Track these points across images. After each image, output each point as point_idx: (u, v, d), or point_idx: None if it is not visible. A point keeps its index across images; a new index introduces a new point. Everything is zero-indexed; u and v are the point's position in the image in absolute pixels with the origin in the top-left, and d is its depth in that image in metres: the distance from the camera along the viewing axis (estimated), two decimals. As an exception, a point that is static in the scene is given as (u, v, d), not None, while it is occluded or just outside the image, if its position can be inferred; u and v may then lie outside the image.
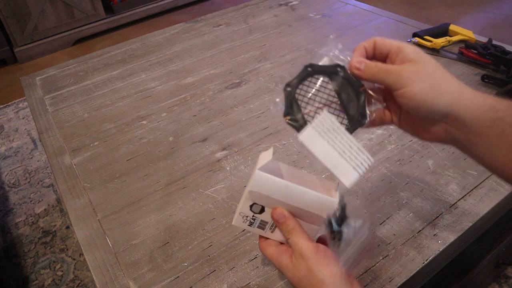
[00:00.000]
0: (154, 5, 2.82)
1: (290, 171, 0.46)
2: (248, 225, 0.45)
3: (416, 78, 0.38)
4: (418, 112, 0.40)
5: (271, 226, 0.45)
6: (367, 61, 0.42)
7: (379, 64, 0.41)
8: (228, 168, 0.75)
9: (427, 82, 0.38)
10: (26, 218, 1.42)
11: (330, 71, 0.43)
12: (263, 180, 0.42)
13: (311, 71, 0.43)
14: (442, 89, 0.38)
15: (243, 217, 0.45)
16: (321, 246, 0.42)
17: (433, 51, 1.02)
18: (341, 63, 0.43)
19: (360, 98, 0.42)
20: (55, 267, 1.25)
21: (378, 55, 0.43)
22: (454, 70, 0.95)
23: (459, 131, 0.39)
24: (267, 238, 0.46)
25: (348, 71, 0.43)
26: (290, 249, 0.44)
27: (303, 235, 0.43)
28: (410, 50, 0.40)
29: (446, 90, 0.38)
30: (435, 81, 0.38)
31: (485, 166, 0.41)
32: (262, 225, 0.45)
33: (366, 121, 0.42)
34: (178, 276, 0.58)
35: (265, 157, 0.45)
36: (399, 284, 0.54)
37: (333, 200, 0.42)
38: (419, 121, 0.42)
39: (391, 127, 0.80)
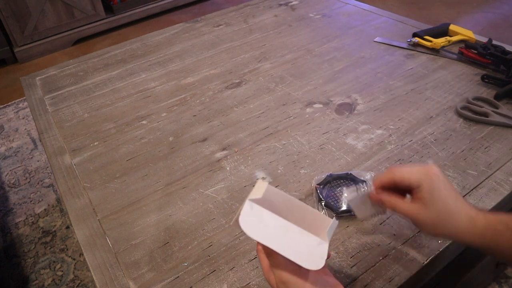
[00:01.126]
0: (154, 5, 2.82)
1: (282, 204, 0.48)
2: None
3: (424, 222, 0.47)
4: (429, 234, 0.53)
5: None
6: (386, 199, 0.50)
7: (394, 203, 0.50)
8: (228, 168, 0.75)
9: (432, 223, 0.47)
10: (26, 218, 1.42)
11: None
12: (252, 212, 0.45)
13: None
14: (442, 227, 0.47)
15: None
16: (302, 269, 0.43)
17: (433, 51, 1.03)
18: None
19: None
20: (55, 267, 1.24)
21: (398, 187, 0.50)
22: (454, 70, 0.95)
23: (481, 247, 0.47)
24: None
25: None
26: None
27: (281, 267, 0.44)
28: (426, 190, 0.47)
29: (444, 228, 0.47)
30: (439, 221, 0.47)
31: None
32: None
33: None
34: (178, 276, 0.58)
35: (260, 188, 0.47)
36: (399, 284, 0.54)
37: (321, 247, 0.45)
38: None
39: (391, 126, 0.80)
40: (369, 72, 0.98)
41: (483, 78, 0.90)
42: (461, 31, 1.06)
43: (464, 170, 0.69)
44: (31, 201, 1.49)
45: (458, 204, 0.47)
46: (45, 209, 1.45)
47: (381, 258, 0.57)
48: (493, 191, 0.65)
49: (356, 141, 0.78)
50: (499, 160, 0.71)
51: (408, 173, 0.48)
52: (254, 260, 0.59)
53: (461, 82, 0.91)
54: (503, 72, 0.90)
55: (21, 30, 2.39)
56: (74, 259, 1.26)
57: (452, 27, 1.07)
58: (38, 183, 1.56)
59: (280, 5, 1.37)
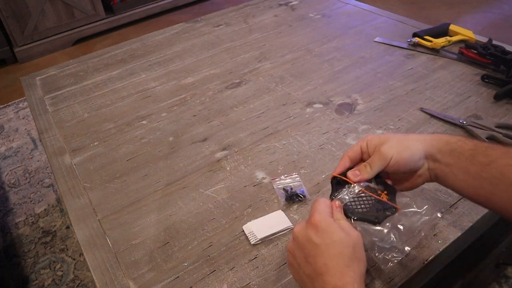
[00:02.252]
0: (154, 5, 2.82)
1: None
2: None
3: (392, 150, 0.51)
4: (408, 167, 0.51)
5: None
6: (359, 168, 0.53)
7: (365, 164, 0.53)
8: (228, 168, 0.75)
9: (400, 148, 0.51)
10: (26, 218, 1.42)
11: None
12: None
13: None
14: (410, 144, 0.51)
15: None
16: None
17: (433, 51, 1.02)
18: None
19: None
20: (55, 267, 1.24)
21: (356, 160, 0.55)
22: (454, 70, 0.95)
23: (436, 166, 0.51)
24: None
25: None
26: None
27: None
28: (372, 137, 0.53)
29: (413, 143, 0.51)
30: (403, 144, 0.51)
31: (460, 193, 0.52)
32: None
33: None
34: (178, 276, 0.58)
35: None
36: (399, 284, 0.54)
37: None
38: (411, 175, 0.53)
39: (391, 126, 0.80)
40: (369, 72, 0.98)
41: (483, 78, 0.90)
42: (461, 31, 1.06)
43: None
44: (31, 201, 1.49)
45: (406, 134, 0.53)
46: (45, 209, 1.45)
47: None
48: None
49: (356, 141, 0.78)
50: None
51: (356, 145, 0.55)
52: (254, 260, 0.59)
53: (461, 82, 0.91)
54: (503, 72, 0.90)
55: (21, 30, 2.39)
56: (74, 259, 1.26)
57: (452, 27, 1.07)
58: (38, 183, 1.56)
59: (280, 5, 1.37)
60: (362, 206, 0.51)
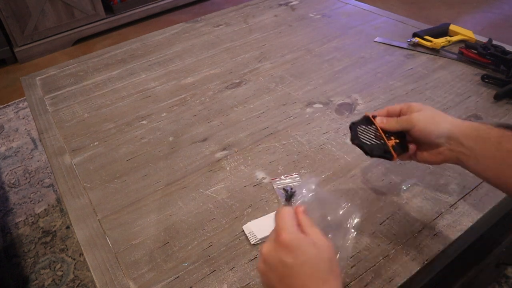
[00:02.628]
0: (154, 5, 2.82)
1: None
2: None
3: (421, 118, 0.55)
4: (429, 139, 0.55)
5: None
6: (388, 118, 0.59)
7: (395, 118, 0.58)
8: (228, 168, 0.75)
9: (429, 120, 0.55)
10: (26, 218, 1.41)
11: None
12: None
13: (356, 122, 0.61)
14: (440, 121, 0.55)
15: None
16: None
17: (433, 51, 1.02)
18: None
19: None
20: (55, 267, 1.24)
21: (393, 115, 0.60)
22: (454, 70, 0.95)
23: (458, 149, 0.52)
24: None
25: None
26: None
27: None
28: (415, 104, 0.57)
29: (443, 121, 0.55)
30: (434, 118, 0.55)
31: (480, 177, 0.53)
32: None
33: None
34: (178, 276, 0.58)
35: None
36: (399, 284, 0.54)
37: None
38: (432, 149, 0.56)
39: (391, 127, 0.80)
40: (369, 72, 0.98)
41: (483, 78, 0.90)
42: (461, 31, 1.06)
43: (464, 170, 0.69)
44: (31, 201, 1.49)
45: (443, 113, 0.56)
46: (45, 209, 1.45)
47: (381, 258, 0.57)
48: (492, 191, 0.65)
49: (356, 141, 0.78)
50: None
51: (398, 104, 0.59)
52: (254, 260, 0.59)
53: (461, 82, 0.91)
54: (503, 72, 0.90)
55: (21, 30, 2.39)
56: (74, 259, 1.26)
57: (452, 27, 1.07)
58: (38, 183, 1.56)
59: (280, 5, 1.37)
60: (367, 138, 0.59)
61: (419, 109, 0.56)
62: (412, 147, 0.57)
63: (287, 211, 0.46)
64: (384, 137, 0.58)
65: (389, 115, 0.60)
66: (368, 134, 0.59)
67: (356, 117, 0.83)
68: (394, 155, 0.57)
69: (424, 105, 0.57)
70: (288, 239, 0.42)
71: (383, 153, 0.57)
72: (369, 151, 0.58)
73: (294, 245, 0.42)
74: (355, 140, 0.59)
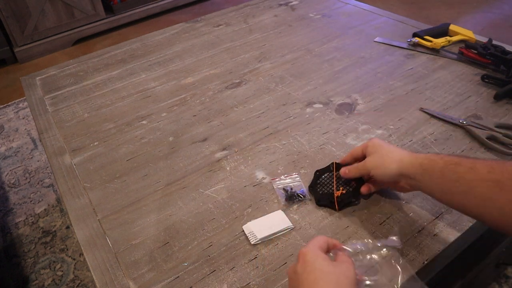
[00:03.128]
0: (154, 5, 2.82)
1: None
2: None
3: (373, 163, 0.61)
4: (384, 180, 0.61)
5: None
6: (350, 167, 0.65)
7: (357, 165, 0.64)
8: (228, 168, 0.75)
9: (379, 164, 0.60)
10: (26, 218, 1.41)
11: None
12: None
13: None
14: (389, 162, 0.59)
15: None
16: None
17: (433, 51, 1.03)
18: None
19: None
20: (55, 267, 1.24)
21: (357, 158, 0.66)
22: (454, 70, 0.95)
23: (412, 182, 0.57)
24: None
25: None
26: None
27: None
28: (370, 145, 0.63)
29: (391, 162, 0.58)
30: (383, 161, 0.59)
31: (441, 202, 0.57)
32: None
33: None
34: (178, 276, 0.58)
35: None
36: (399, 284, 0.54)
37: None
38: (394, 184, 0.62)
39: (391, 126, 0.80)
40: (369, 72, 0.98)
41: (483, 78, 0.90)
42: (461, 31, 1.06)
43: (464, 170, 0.69)
44: (31, 201, 1.49)
45: (398, 149, 0.60)
46: (45, 209, 1.45)
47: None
48: None
49: (356, 141, 0.78)
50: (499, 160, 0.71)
51: (360, 146, 0.65)
52: (254, 260, 0.59)
53: (461, 82, 0.91)
54: (503, 72, 0.90)
55: (21, 30, 2.39)
56: (74, 259, 1.26)
57: (452, 27, 1.07)
58: (38, 183, 1.56)
59: (280, 5, 1.37)
60: (323, 186, 0.67)
61: (371, 152, 0.62)
62: (363, 189, 0.63)
63: (322, 236, 0.52)
64: (334, 187, 0.65)
65: (353, 158, 0.66)
66: (325, 182, 0.67)
67: (356, 117, 0.84)
68: (337, 207, 0.64)
69: (379, 142, 0.62)
70: (305, 251, 0.48)
71: (329, 203, 0.64)
72: (316, 200, 0.65)
73: (307, 257, 0.47)
74: (310, 188, 0.67)
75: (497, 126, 0.75)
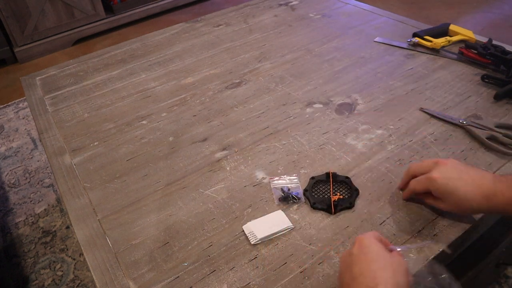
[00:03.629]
0: (154, 5, 2.82)
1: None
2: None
3: (448, 210, 0.58)
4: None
5: None
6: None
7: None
8: (228, 168, 0.75)
9: (459, 207, 0.56)
10: (26, 218, 1.42)
11: None
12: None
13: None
14: (471, 205, 0.54)
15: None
16: None
17: (433, 51, 1.02)
18: None
19: None
20: (55, 267, 1.24)
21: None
22: (454, 70, 0.95)
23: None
24: None
25: None
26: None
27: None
28: (441, 188, 0.56)
29: (474, 204, 0.54)
30: (462, 205, 0.55)
31: None
32: None
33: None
34: (178, 276, 0.58)
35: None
36: (399, 284, 0.54)
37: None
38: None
39: (391, 126, 0.80)
40: (369, 72, 0.98)
41: (483, 78, 0.90)
42: (461, 31, 1.06)
43: (464, 170, 0.69)
44: (31, 201, 1.49)
45: (470, 188, 0.54)
46: (45, 209, 1.45)
47: (381, 258, 0.57)
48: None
49: (356, 141, 0.78)
50: (499, 160, 0.71)
51: (420, 164, 0.60)
52: (254, 260, 0.59)
53: (461, 82, 0.91)
54: (503, 72, 0.90)
55: (21, 30, 2.39)
56: (74, 259, 1.26)
57: (452, 27, 1.07)
58: (38, 183, 1.56)
59: (280, 5, 1.37)
60: (320, 192, 0.67)
61: (444, 196, 0.56)
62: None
63: (374, 231, 0.53)
64: (331, 192, 0.66)
65: (412, 189, 0.62)
66: (321, 188, 0.68)
67: (356, 117, 0.84)
68: (333, 211, 0.64)
69: (448, 185, 0.56)
70: (362, 237, 0.49)
71: (325, 206, 0.64)
72: (312, 203, 0.65)
73: (364, 242, 0.48)
74: (305, 191, 0.67)
75: (497, 126, 0.75)
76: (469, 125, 0.76)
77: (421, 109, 0.83)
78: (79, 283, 1.19)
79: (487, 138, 0.73)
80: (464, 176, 0.55)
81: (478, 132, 0.74)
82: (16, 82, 2.26)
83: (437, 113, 0.81)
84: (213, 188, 0.71)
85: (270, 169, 0.73)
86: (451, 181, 0.55)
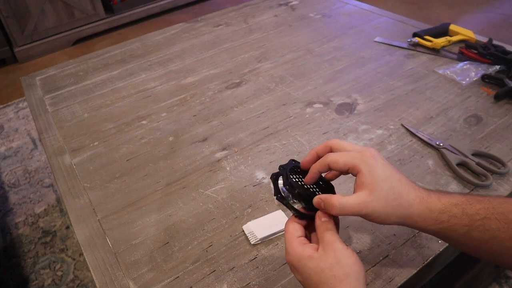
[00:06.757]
0: (154, 5, 2.82)
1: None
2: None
3: (375, 209, 0.43)
4: (381, 223, 0.45)
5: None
6: (325, 201, 0.45)
7: (343, 204, 0.44)
8: (228, 168, 0.75)
9: (383, 209, 0.44)
10: (26, 218, 1.42)
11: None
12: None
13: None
14: (395, 215, 0.44)
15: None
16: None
17: (433, 51, 1.02)
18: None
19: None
20: (55, 267, 1.24)
21: (336, 169, 0.47)
22: (454, 70, 0.95)
23: (421, 229, 0.46)
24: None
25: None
26: (314, 245, 0.45)
27: (337, 235, 0.45)
28: (365, 174, 0.44)
29: (399, 215, 0.44)
30: (387, 209, 0.44)
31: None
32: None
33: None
34: (178, 276, 0.58)
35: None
36: (399, 284, 0.54)
37: None
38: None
39: (391, 126, 0.80)
40: (369, 72, 0.98)
41: (483, 78, 0.90)
42: (461, 31, 1.06)
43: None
44: (31, 201, 1.49)
45: (404, 185, 0.45)
46: (45, 209, 1.45)
47: (381, 258, 0.57)
48: (493, 191, 0.65)
49: (356, 141, 0.78)
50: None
51: (342, 157, 0.46)
52: (254, 260, 0.59)
53: (461, 82, 0.91)
54: (503, 72, 0.90)
55: (21, 30, 2.40)
56: (74, 259, 1.26)
57: (452, 27, 1.07)
58: (38, 183, 1.56)
59: (280, 5, 1.37)
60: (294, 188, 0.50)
61: (371, 188, 0.43)
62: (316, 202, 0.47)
63: (288, 229, 0.47)
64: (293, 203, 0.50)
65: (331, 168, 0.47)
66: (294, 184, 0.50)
67: (356, 117, 0.84)
68: (295, 217, 0.49)
69: (377, 176, 0.44)
70: (289, 260, 0.45)
71: (290, 207, 0.49)
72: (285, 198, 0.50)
73: (295, 264, 0.44)
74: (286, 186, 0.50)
75: (474, 154, 0.71)
76: (444, 148, 0.73)
77: (402, 125, 0.80)
78: (79, 283, 1.19)
79: (457, 164, 0.69)
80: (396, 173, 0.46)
81: (450, 157, 0.70)
82: (16, 82, 2.26)
83: (415, 130, 0.77)
84: (213, 188, 0.71)
85: (270, 169, 0.73)
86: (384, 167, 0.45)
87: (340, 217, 0.61)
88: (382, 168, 0.44)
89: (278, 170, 0.52)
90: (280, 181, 0.50)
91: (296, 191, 0.48)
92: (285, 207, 0.50)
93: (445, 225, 0.44)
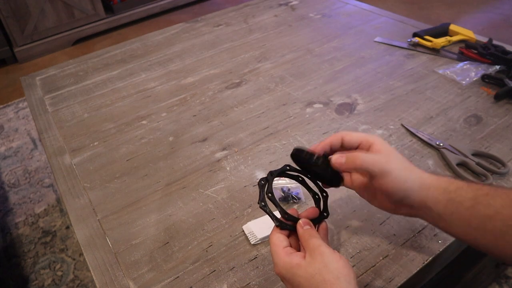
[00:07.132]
0: (154, 5, 2.82)
1: None
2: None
3: (392, 169, 0.45)
4: (393, 196, 0.47)
5: None
6: (349, 155, 0.48)
7: (365, 157, 0.46)
8: (228, 168, 0.75)
9: (400, 173, 0.46)
10: (26, 218, 1.42)
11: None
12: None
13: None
14: (410, 179, 0.46)
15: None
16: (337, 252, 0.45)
17: (433, 51, 1.02)
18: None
19: None
20: (55, 267, 1.24)
21: (347, 147, 0.50)
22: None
23: (422, 212, 0.47)
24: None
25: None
26: (301, 253, 0.46)
27: (322, 241, 0.46)
28: (379, 142, 0.48)
29: (413, 179, 0.46)
30: (404, 172, 0.46)
31: (451, 236, 0.49)
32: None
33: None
34: (178, 276, 0.58)
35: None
36: (399, 284, 0.54)
37: None
38: (387, 198, 0.48)
39: (391, 126, 0.80)
40: (369, 72, 0.98)
41: (483, 78, 0.90)
42: (461, 31, 1.06)
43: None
44: (31, 201, 1.49)
45: (407, 161, 0.48)
46: (45, 209, 1.45)
47: (381, 258, 0.57)
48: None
49: (356, 141, 0.78)
50: None
51: (355, 132, 0.50)
52: (254, 260, 0.59)
53: (461, 82, 0.91)
54: (503, 72, 0.90)
55: (21, 30, 2.40)
56: (74, 259, 1.26)
57: (452, 27, 1.07)
58: (38, 183, 1.56)
59: (280, 5, 1.37)
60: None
61: (386, 153, 0.47)
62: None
63: (272, 240, 0.47)
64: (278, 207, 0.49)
65: (332, 148, 0.50)
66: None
67: (356, 117, 0.84)
68: (277, 226, 0.48)
69: (388, 146, 0.48)
70: (278, 272, 0.45)
71: (273, 216, 0.48)
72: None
73: (285, 275, 0.44)
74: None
75: (474, 154, 0.71)
76: (444, 148, 0.73)
77: (402, 125, 0.80)
78: (79, 283, 1.19)
79: (457, 164, 0.69)
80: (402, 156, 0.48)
81: (450, 157, 0.70)
82: (16, 82, 2.26)
83: (415, 130, 0.77)
84: (213, 188, 0.71)
85: (270, 169, 0.73)
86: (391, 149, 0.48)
87: (340, 216, 0.61)
88: (392, 148, 0.49)
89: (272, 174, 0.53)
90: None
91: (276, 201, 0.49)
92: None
93: (452, 195, 0.45)
